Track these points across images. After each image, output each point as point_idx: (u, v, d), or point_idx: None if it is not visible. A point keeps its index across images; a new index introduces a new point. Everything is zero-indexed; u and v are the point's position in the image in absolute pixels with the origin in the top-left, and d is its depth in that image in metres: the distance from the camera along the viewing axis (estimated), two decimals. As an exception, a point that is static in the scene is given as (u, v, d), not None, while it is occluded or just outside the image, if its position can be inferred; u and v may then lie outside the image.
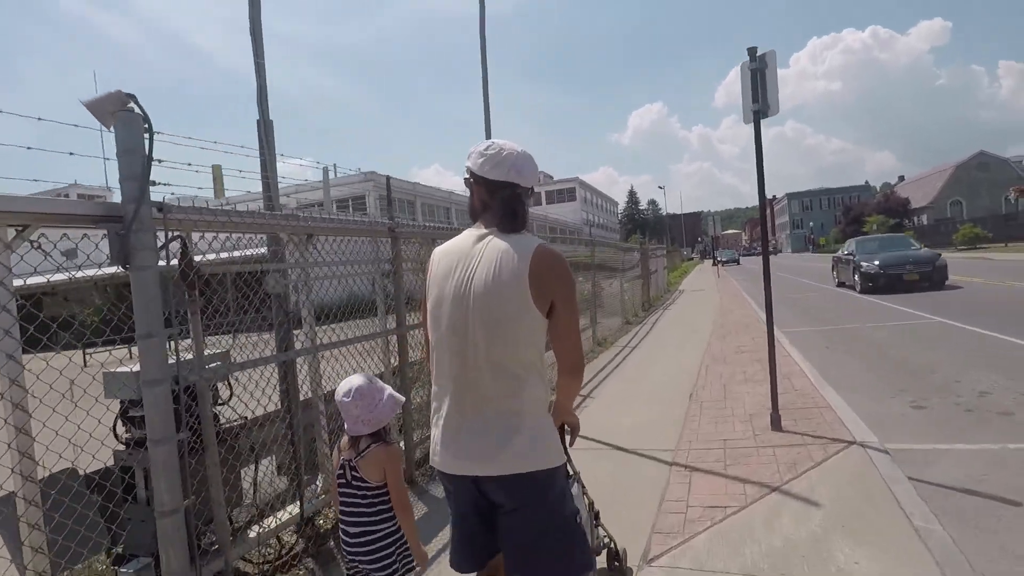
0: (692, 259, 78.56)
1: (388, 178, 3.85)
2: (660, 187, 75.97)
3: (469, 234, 1.59)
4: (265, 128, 3.43)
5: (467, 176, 1.65)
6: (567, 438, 1.76)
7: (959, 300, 10.94)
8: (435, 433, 1.58)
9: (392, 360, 3.93)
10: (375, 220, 3.75)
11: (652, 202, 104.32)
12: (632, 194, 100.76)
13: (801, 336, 8.61)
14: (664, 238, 56.83)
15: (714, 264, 42.19)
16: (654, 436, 4.34)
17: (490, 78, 6.50)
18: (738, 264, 50.76)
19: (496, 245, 1.50)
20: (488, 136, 5.50)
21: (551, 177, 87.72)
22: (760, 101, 3.97)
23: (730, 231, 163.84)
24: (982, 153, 54.85)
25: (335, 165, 37.54)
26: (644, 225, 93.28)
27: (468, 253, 1.53)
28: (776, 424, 4.14)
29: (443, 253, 1.62)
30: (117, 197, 2.07)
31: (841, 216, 67.60)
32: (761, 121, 4.05)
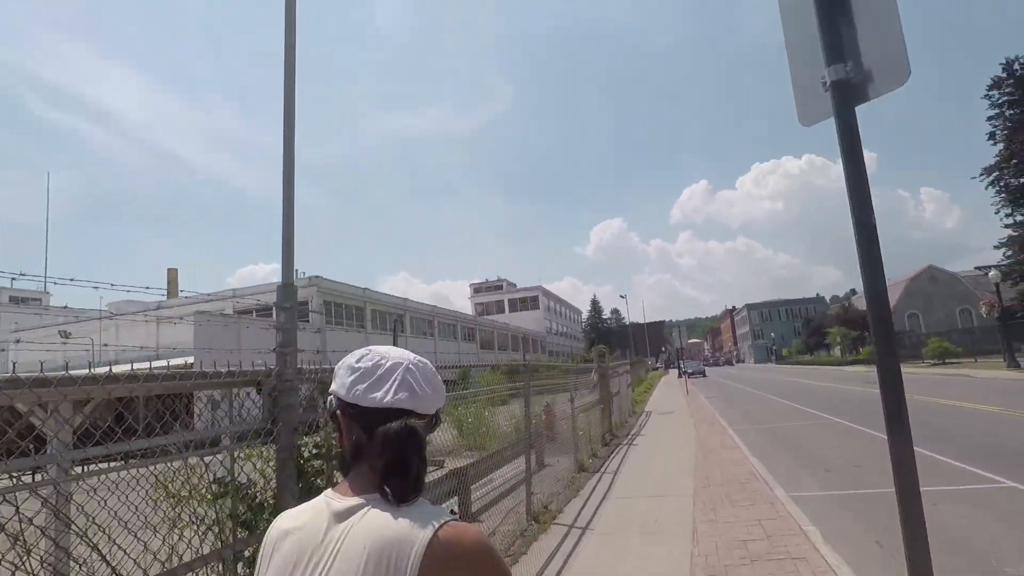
0: (657, 369, 76.49)
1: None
2: (622, 296, 75.73)
3: (325, 506, 0.92)
4: None
5: (331, 405, 1.01)
6: None
7: (1009, 450, 8.45)
8: None
9: None
10: None
11: (615, 311, 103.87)
12: (595, 303, 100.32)
13: (839, 520, 5.82)
14: (628, 349, 54.73)
15: (680, 376, 39.91)
16: None
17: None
18: (704, 376, 48.57)
19: (364, 533, 0.85)
20: (286, 227, 3.14)
21: (514, 285, 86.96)
22: (850, 58, 1.49)
23: (692, 340, 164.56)
24: (931, 267, 56.12)
25: (297, 270, 35.17)
26: (608, 334, 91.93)
27: (316, 544, 0.88)
28: None
29: (281, 533, 0.93)
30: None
31: (801, 328, 67.34)
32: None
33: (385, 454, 0.90)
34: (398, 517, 0.86)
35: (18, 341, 35.01)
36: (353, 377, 0.97)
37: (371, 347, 1.04)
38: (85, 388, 2.21)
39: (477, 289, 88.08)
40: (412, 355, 1.03)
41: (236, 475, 3.08)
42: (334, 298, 36.76)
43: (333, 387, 1.02)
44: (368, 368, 0.97)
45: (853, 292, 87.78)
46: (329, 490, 0.97)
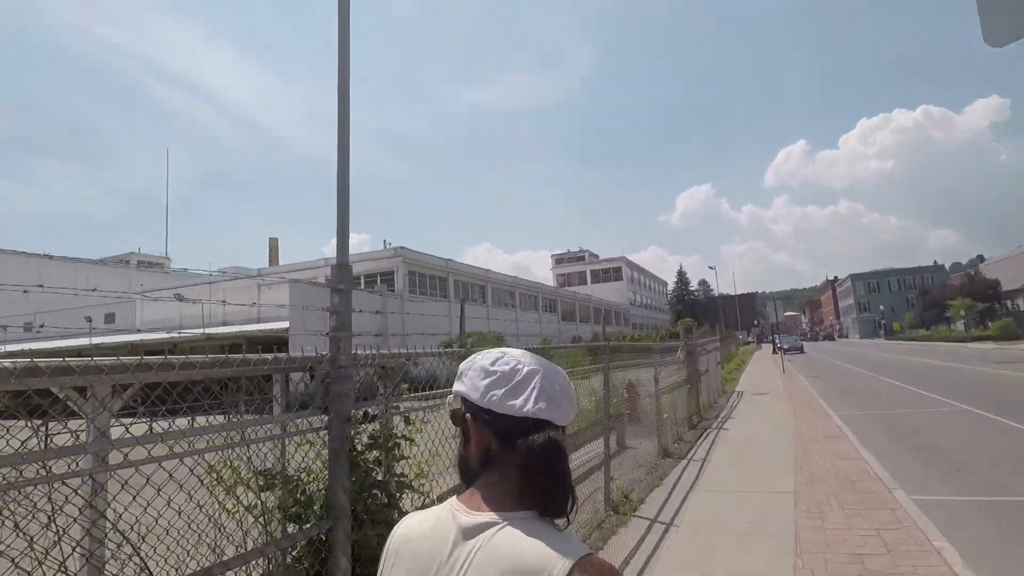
0: (749, 343, 72.96)
1: None
2: (711, 267, 72.23)
3: (450, 516, 0.90)
4: None
5: (457, 408, 0.99)
6: None
7: None
8: None
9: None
10: None
11: (703, 282, 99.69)
12: (682, 274, 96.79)
13: (979, 534, 4.97)
14: (718, 323, 52.36)
15: (775, 351, 37.66)
16: None
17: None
18: (802, 352, 45.57)
19: (495, 557, 0.81)
20: (341, 149, 2.80)
21: (596, 256, 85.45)
22: None
23: (788, 313, 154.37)
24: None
25: (385, 241, 36.48)
26: (695, 306, 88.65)
27: (441, 560, 0.85)
28: None
29: (404, 541, 0.93)
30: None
31: (916, 299, 61.36)
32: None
33: (533, 469, 0.86)
34: (532, 544, 0.80)
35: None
36: (488, 381, 0.94)
37: (504, 349, 1.01)
38: (114, 377, 2.03)
39: (559, 260, 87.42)
40: (545, 361, 0.99)
41: (285, 465, 2.88)
42: (418, 269, 37.57)
43: (460, 388, 0.97)
44: (505, 373, 0.94)
45: (980, 259, 78.94)
46: (454, 499, 0.93)
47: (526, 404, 0.90)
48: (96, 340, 29.00)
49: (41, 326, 32.18)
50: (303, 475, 2.85)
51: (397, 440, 3.14)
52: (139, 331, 33.13)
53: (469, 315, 40.79)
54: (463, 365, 0.99)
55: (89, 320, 33.47)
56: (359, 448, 2.92)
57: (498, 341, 29.21)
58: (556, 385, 0.94)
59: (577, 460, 7.23)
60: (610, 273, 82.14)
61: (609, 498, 5.93)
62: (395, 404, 3.09)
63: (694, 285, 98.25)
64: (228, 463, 2.63)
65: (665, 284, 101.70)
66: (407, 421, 3.22)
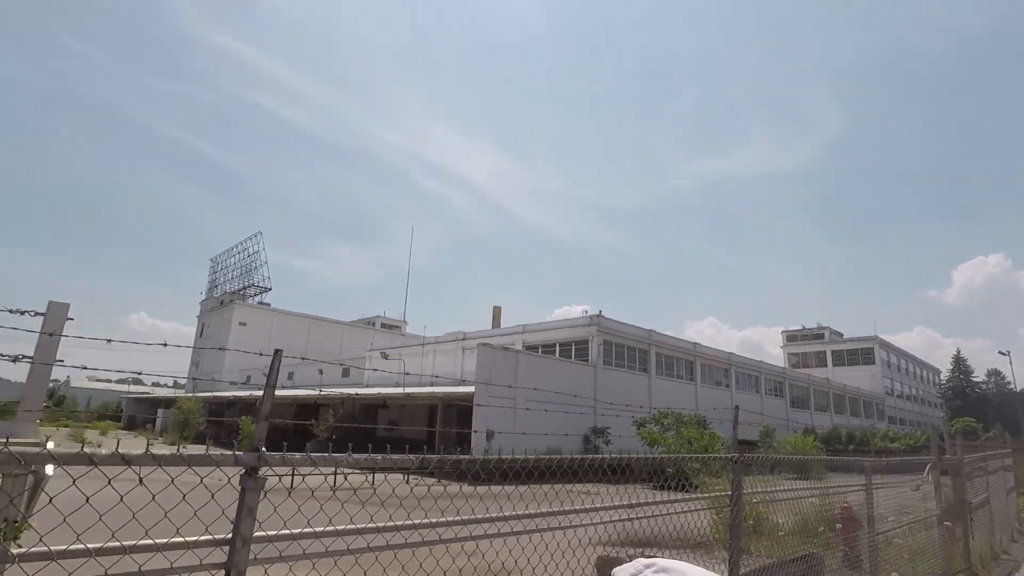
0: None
1: None
2: (1002, 352, 55.95)
3: None
4: None
5: None
6: None
7: None
8: None
9: None
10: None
11: (994, 372, 78.14)
12: (959, 360, 77.22)
13: None
14: (1019, 426, 39.55)
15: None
16: None
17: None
18: None
19: None
20: None
21: (840, 334, 73.16)
22: None
23: None
24: None
25: (599, 311, 35.97)
26: (983, 403, 69.49)
27: None
28: None
29: None
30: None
31: None
32: None
33: None
34: None
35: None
36: None
37: (655, 560, 0.77)
38: None
39: (791, 337, 76.87)
40: None
41: None
42: (615, 339, 35.38)
43: None
44: None
45: None
46: None
47: None
48: (326, 391, 32.52)
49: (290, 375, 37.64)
50: None
51: None
52: (364, 386, 36.56)
53: (672, 392, 36.97)
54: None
55: (320, 373, 38.55)
56: None
57: (699, 425, 25.28)
58: None
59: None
60: (857, 355, 69.35)
61: None
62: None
63: (979, 375, 77.51)
64: None
65: (937, 372, 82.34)
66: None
